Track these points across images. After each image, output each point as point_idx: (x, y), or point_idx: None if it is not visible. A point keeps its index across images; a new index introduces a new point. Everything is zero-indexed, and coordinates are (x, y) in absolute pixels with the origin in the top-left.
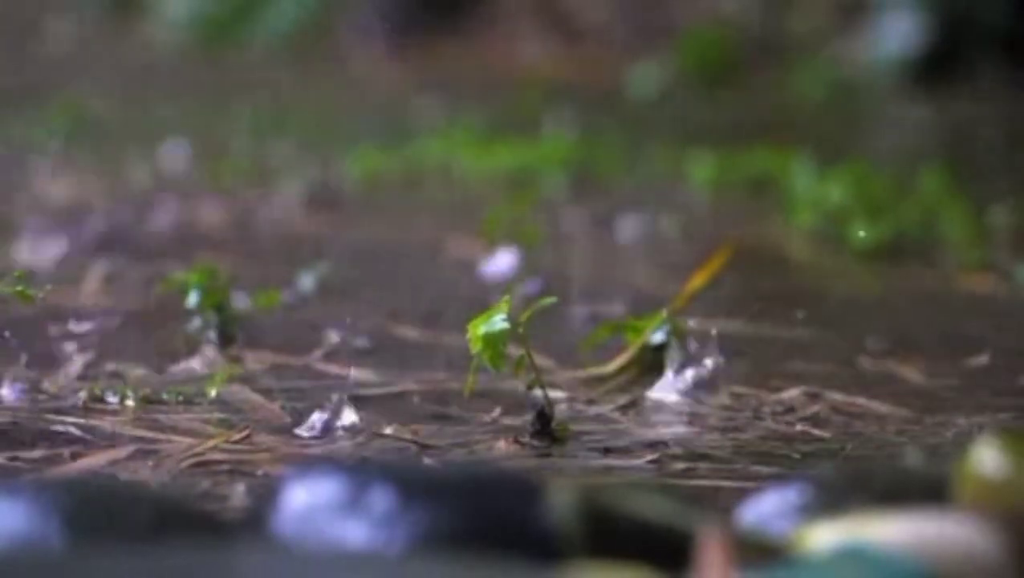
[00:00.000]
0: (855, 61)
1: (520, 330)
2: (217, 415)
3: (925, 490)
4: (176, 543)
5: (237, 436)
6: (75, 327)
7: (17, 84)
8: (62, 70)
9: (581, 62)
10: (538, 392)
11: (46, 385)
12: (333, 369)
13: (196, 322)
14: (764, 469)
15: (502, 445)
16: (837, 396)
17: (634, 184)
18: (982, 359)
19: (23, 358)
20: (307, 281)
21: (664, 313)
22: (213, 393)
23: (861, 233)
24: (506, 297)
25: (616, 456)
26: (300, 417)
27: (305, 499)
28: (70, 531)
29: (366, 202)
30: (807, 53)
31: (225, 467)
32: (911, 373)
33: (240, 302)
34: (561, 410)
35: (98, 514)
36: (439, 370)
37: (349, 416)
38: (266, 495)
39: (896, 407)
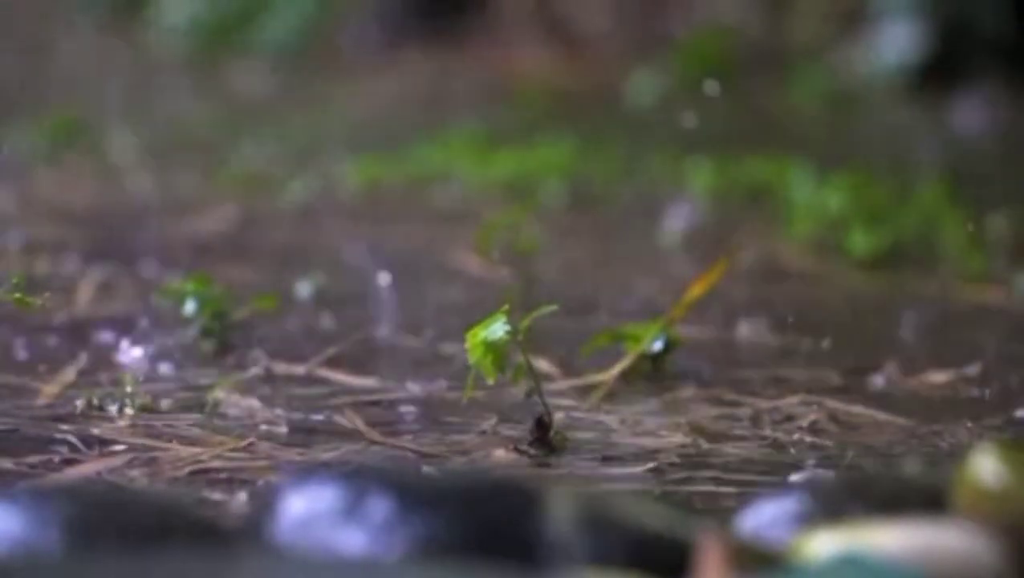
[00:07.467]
0: (854, 69)
1: (519, 338)
2: (215, 422)
3: (923, 499)
4: (175, 550)
5: (242, 443)
6: (72, 334)
7: (16, 89)
8: (61, 76)
9: (580, 69)
10: (537, 400)
11: (44, 392)
12: (332, 376)
13: (194, 330)
14: (763, 477)
15: (501, 453)
16: (835, 404)
17: (633, 192)
18: (980, 368)
19: (22, 364)
20: (305, 289)
21: (663, 321)
22: (211, 400)
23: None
24: (505, 305)
25: (614, 464)
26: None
27: (304, 506)
28: (69, 537)
29: (365, 210)
30: (806, 61)
31: (223, 474)
32: (910, 381)
33: (238, 309)
34: (560, 418)
35: (97, 520)
36: (437, 378)
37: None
38: (265, 502)
39: (894, 415)
